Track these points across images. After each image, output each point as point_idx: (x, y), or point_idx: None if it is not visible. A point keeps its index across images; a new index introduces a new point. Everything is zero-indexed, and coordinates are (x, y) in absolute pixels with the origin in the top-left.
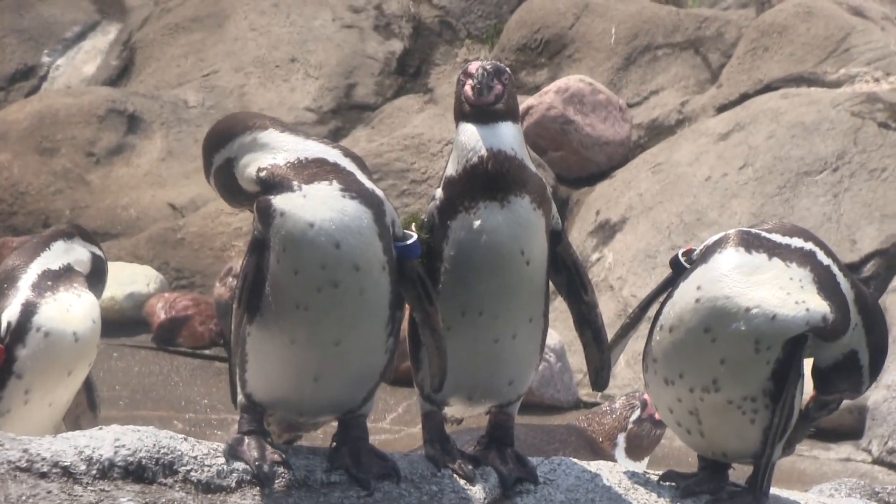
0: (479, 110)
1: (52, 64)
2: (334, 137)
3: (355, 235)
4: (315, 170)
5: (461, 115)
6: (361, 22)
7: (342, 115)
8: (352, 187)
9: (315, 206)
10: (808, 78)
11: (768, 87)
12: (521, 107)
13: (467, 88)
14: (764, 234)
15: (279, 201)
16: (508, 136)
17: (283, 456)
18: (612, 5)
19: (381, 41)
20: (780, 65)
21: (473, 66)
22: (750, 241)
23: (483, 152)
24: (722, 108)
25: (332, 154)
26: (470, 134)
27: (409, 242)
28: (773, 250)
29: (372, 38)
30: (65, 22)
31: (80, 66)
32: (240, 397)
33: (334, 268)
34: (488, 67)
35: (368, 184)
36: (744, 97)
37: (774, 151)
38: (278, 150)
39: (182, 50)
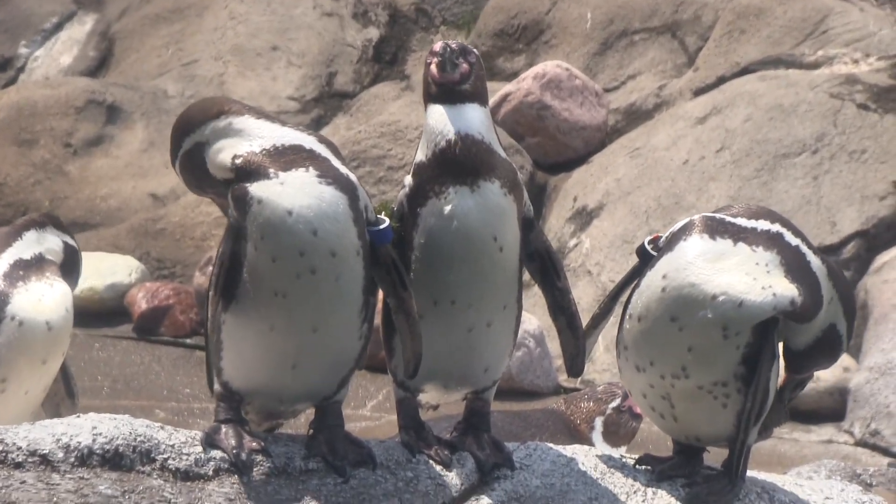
0: (444, 89)
1: (29, 55)
2: (316, 126)
3: (332, 221)
4: (292, 157)
5: (428, 97)
6: (341, 10)
7: (324, 104)
8: (328, 173)
9: (293, 193)
10: (785, 60)
11: (745, 70)
12: (499, 93)
13: (433, 67)
14: (729, 218)
15: (256, 189)
16: (475, 119)
17: (262, 444)
18: None
19: (358, 29)
20: (758, 47)
21: (438, 45)
22: (714, 227)
23: (451, 136)
24: (699, 92)
25: (307, 141)
26: (438, 116)
27: (381, 227)
28: (739, 235)
29: (350, 26)
30: (42, 13)
31: (57, 56)
32: (216, 385)
33: (312, 255)
34: (453, 45)
35: (343, 169)
36: (721, 80)
37: (752, 134)
38: (254, 136)
39: (162, 40)
